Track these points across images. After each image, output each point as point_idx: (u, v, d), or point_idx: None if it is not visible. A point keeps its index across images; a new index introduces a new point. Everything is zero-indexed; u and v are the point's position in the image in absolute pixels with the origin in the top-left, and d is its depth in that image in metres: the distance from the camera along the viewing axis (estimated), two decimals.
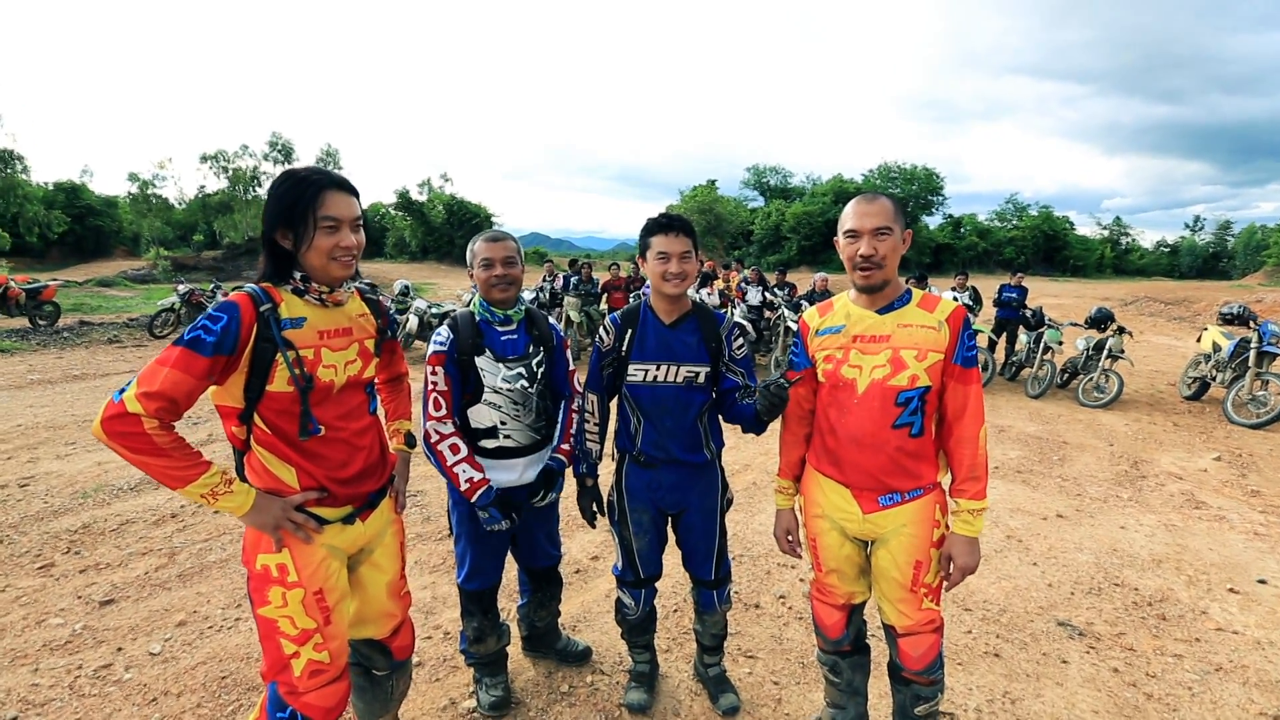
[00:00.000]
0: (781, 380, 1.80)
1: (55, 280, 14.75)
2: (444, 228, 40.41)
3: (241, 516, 1.42)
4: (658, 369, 2.01)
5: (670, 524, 2.20)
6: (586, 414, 2.13)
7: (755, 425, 1.97)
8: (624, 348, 2.04)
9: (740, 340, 2.08)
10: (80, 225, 36.26)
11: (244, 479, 1.51)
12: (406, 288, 10.63)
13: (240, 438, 1.49)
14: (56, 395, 6.90)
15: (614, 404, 2.16)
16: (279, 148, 34.97)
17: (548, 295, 10.39)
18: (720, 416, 2.15)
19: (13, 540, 3.52)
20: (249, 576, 1.52)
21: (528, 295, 10.44)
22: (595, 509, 2.17)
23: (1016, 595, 3.15)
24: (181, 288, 11.69)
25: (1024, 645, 2.73)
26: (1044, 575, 3.36)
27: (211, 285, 12.69)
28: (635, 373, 2.03)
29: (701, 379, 2.03)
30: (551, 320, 2.25)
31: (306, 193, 1.43)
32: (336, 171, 1.53)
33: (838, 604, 1.94)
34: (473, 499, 1.98)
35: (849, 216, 1.74)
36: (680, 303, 2.04)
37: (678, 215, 1.97)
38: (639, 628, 2.26)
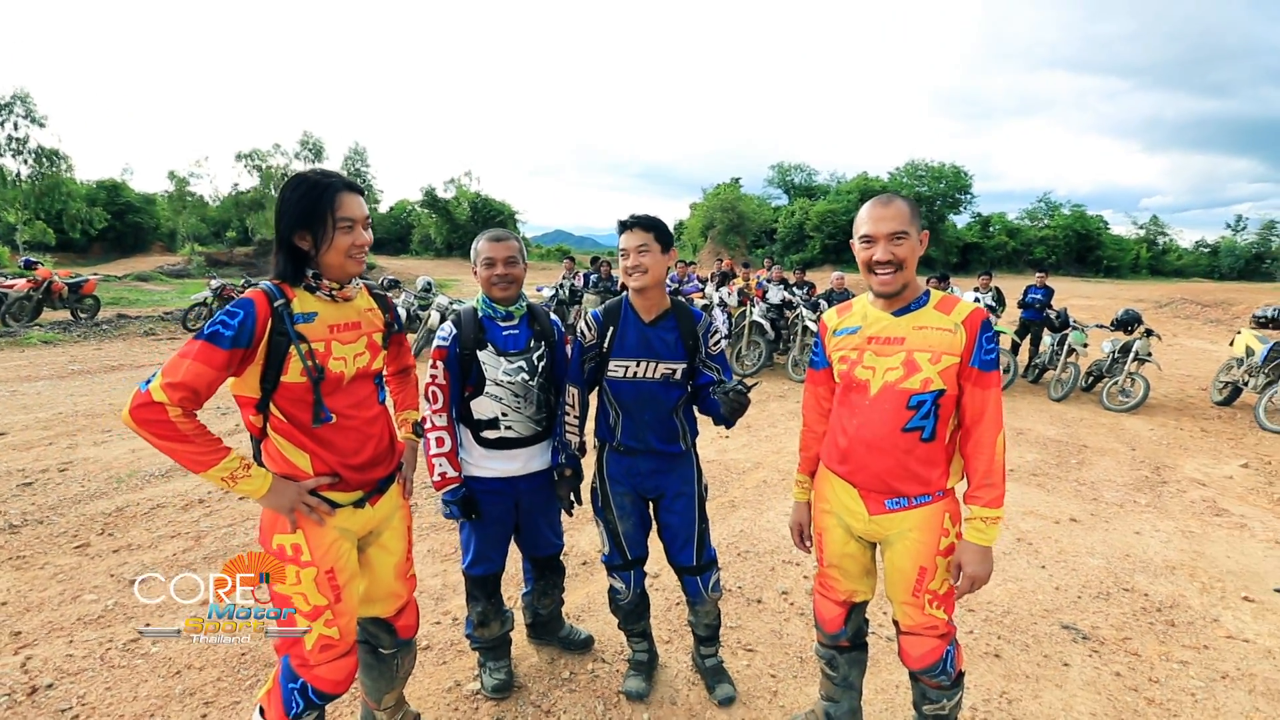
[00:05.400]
0: (739, 385, 1.87)
1: (95, 275, 15.32)
2: (469, 225, 40.96)
3: (259, 499, 1.52)
4: (638, 365, 2.08)
5: (652, 511, 2.26)
6: (566, 406, 2.19)
7: (725, 422, 2.03)
8: (605, 344, 2.11)
9: (717, 336, 2.14)
10: (120, 222, 37.52)
11: (261, 465, 1.61)
12: (429, 284, 10.81)
13: (258, 426, 1.59)
14: (95, 385, 7.20)
15: (592, 396, 2.23)
16: (310, 146, 35.80)
17: (568, 292, 10.48)
18: (695, 409, 2.21)
19: (52, 521, 3.71)
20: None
21: (547, 292, 10.56)
22: (573, 498, 2.22)
23: (1022, 597, 3.14)
24: (214, 283, 12.06)
25: (1025, 647, 2.73)
26: (1052, 579, 3.34)
27: (243, 281, 13.09)
28: (616, 369, 2.09)
29: (678, 375, 2.09)
30: (553, 316, 2.31)
31: (325, 196, 1.52)
32: (346, 175, 1.62)
33: (838, 600, 1.96)
34: (439, 492, 2.11)
35: (864, 221, 1.72)
36: (659, 300, 2.10)
37: (641, 214, 2.04)
38: (633, 614, 2.32)
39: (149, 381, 1.38)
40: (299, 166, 35.46)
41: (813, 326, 8.88)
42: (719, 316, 9.36)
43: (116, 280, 20.67)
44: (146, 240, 40.03)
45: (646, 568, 2.32)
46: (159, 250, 38.70)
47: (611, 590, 2.30)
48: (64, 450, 4.94)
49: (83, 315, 12.17)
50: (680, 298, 2.18)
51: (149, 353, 9.40)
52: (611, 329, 2.10)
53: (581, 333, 2.14)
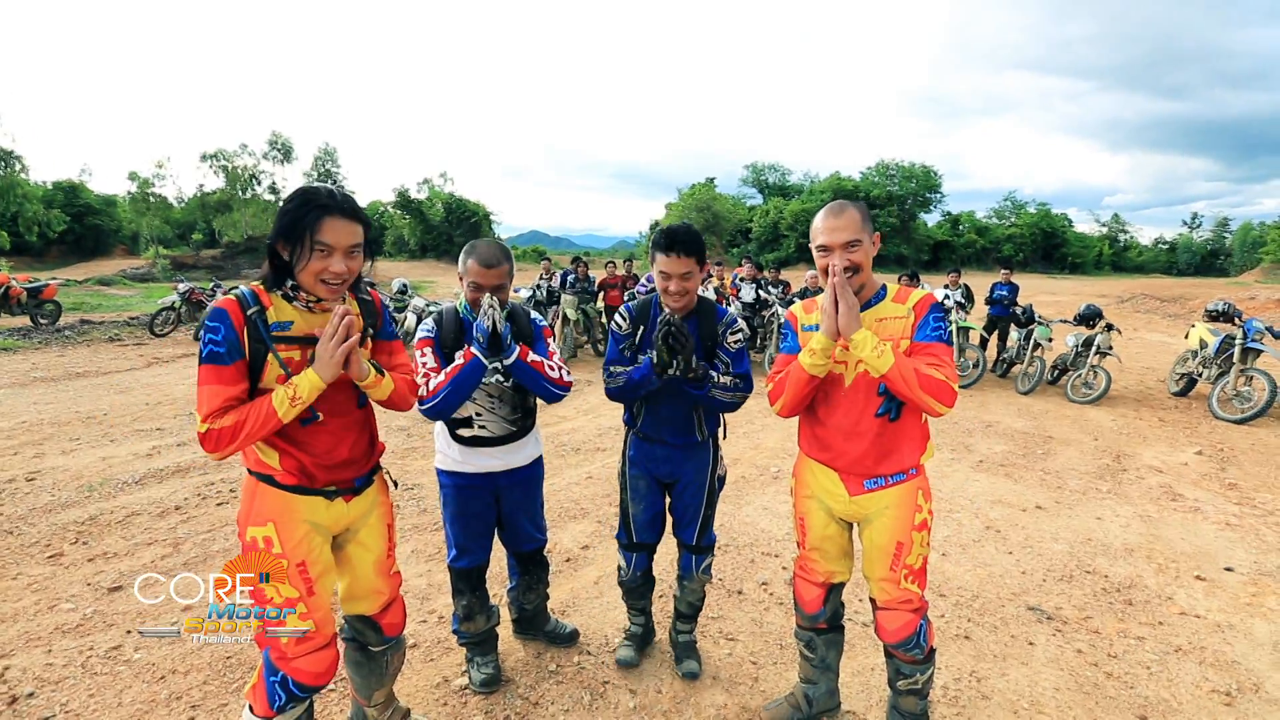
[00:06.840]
0: (669, 317, 1.93)
1: (55, 279, 14.87)
2: (443, 226, 40.55)
3: (327, 381, 1.55)
4: None
5: (668, 495, 2.38)
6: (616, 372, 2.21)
7: (697, 389, 2.05)
8: (636, 338, 2.23)
9: (737, 335, 2.22)
10: (79, 224, 36.38)
11: (243, 462, 1.66)
12: (404, 286, 10.75)
13: None
14: (60, 392, 7.01)
15: None
16: (278, 146, 35.13)
17: (545, 293, 10.48)
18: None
19: (21, 531, 3.64)
20: (241, 549, 1.64)
21: (524, 294, 10.55)
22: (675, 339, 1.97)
23: (990, 582, 3.27)
24: (181, 286, 11.81)
25: (994, 629, 2.85)
26: (1018, 563, 3.48)
27: (211, 284, 12.82)
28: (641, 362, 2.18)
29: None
30: (534, 315, 2.33)
31: (308, 216, 1.51)
32: (346, 194, 1.59)
33: (817, 581, 2.07)
34: (469, 361, 1.99)
35: (819, 231, 1.82)
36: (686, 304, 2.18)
37: (684, 232, 2.05)
38: (634, 592, 2.48)
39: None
40: (267, 167, 34.80)
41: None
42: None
43: (77, 285, 20.06)
44: (108, 243, 38.83)
45: None
46: (121, 253, 37.56)
47: (619, 566, 2.44)
48: (30, 459, 4.82)
49: (43, 321, 11.81)
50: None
51: (115, 359, 9.17)
52: (641, 326, 2.23)
53: (617, 324, 2.26)
